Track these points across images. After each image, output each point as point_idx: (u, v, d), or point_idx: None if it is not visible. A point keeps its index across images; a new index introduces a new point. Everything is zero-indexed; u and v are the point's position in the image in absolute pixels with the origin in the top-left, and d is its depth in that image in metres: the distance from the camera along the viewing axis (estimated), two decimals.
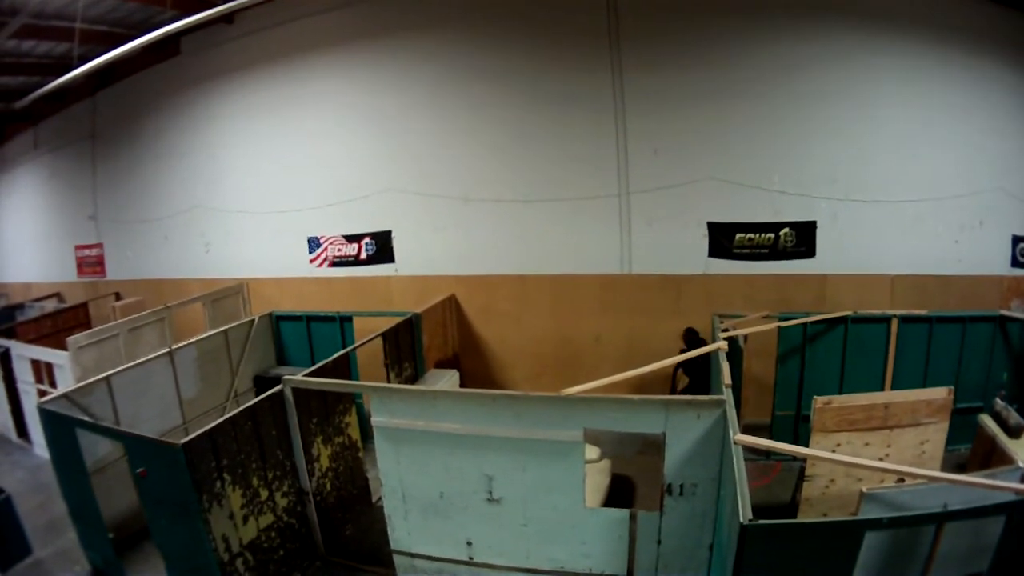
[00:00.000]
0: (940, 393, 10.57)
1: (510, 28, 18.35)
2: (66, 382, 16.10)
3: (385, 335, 16.38)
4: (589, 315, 18.71)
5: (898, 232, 15.93)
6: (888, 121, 15.72)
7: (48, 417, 12.06)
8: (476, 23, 18.69)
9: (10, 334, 21.52)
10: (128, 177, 26.59)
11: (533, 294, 19.20)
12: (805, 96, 16.00)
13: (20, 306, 29.12)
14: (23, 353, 18.40)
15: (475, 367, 20.23)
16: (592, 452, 12.07)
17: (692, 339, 17.20)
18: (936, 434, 10.72)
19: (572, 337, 18.90)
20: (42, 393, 16.49)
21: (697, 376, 17.15)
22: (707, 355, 16.90)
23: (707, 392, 16.24)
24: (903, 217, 15.82)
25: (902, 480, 8.85)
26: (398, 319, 17.19)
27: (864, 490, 8.03)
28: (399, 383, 16.46)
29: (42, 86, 22.61)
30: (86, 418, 12.40)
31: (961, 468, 12.17)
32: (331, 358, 13.82)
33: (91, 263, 28.95)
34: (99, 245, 28.58)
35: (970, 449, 12.69)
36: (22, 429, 19.43)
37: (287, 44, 21.35)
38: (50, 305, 28.27)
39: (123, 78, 25.64)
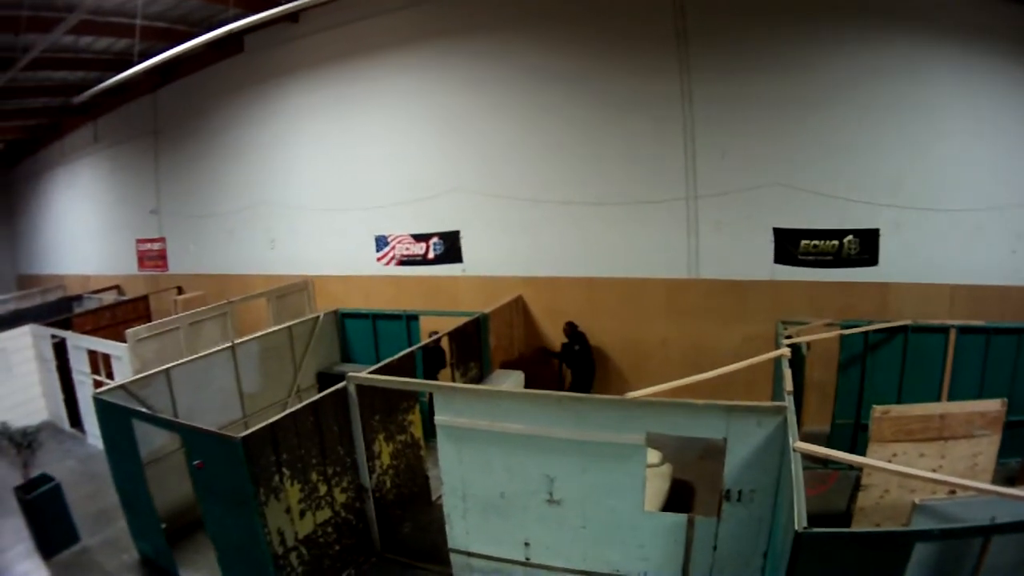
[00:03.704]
0: (993, 405, 10.79)
1: (578, 31, 18.89)
2: (124, 374, 16.68)
3: (451, 334, 16.97)
4: (656, 319, 19.11)
5: (958, 241, 16.02)
6: (951, 129, 15.80)
7: (104, 407, 12.71)
8: (543, 25, 19.28)
9: (66, 325, 22.20)
10: (191, 172, 27.55)
11: (600, 297, 19.64)
12: (872, 104, 16.13)
13: (78, 298, 29.85)
14: (79, 344, 19.03)
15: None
16: (654, 456, 12.40)
17: (573, 332, 18.46)
18: (989, 446, 10.85)
19: (638, 340, 19.33)
20: (98, 384, 17.25)
21: (579, 369, 18.44)
22: (588, 352, 18.17)
23: (589, 385, 17.82)
24: (963, 226, 15.90)
25: (954, 492, 9.14)
26: (465, 319, 17.75)
27: (916, 501, 8.35)
28: (464, 382, 16.94)
29: (101, 81, 23.54)
30: (143, 409, 12.92)
31: (1011, 481, 12.58)
32: (396, 356, 14.29)
33: (153, 257, 29.88)
34: (161, 239, 29.59)
35: (1020, 463, 13.17)
36: (75, 419, 20.20)
37: (354, 43, 22.05)
38: (108, 297, 28.83)
39: (185, 75, 26.66)
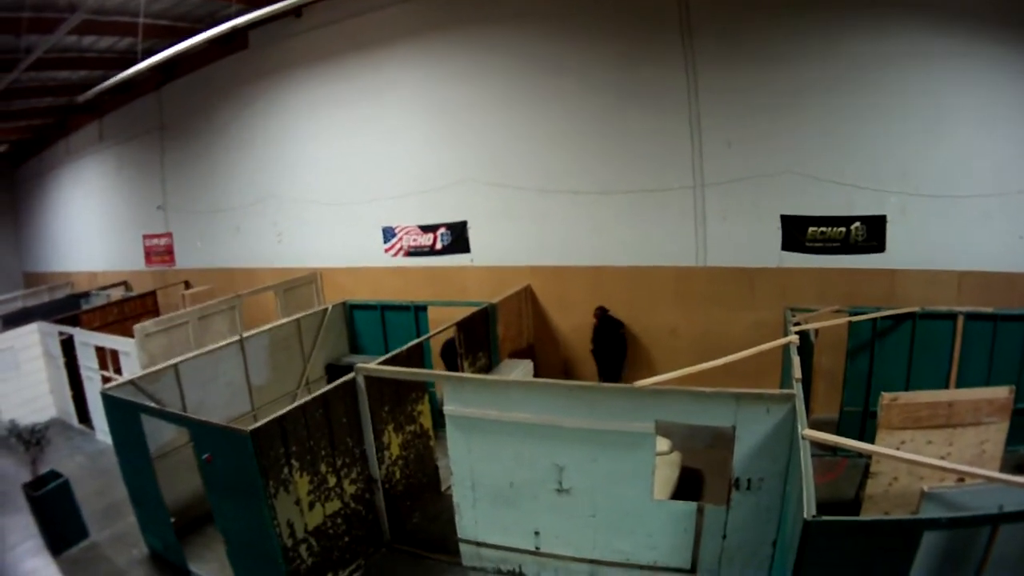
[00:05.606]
0: (1001, 392, 10.62)
1: (583, 22, 18.86)
2: (132, 369, 16.76)
3: (460, 324, 16.87)
4: (664, 307, 19.09)
5: (965, 227, 15.86)
6: (958, 116, 15.64)
7: (112, 403, 12.74)
8: (550, 17, 19.24)
9: (74, 322, 22.34)
10: (197, 168, 27.73)
11: (608, 286, 19.59)
12: (879, 91, 16.00)
13: (85, 294, 29.96)
14: (87, 340, 19.12)
15: (550, 357, 20.75)
16: (663, 444, 12.35)
17: (604, 316, 18.59)
18: (996, 434, 10.75)
19: (646, 329, 19.33)
20: (106, 379, 17.15)
21: (607, 351, 18.55)
22: (618, 335, 18.28)
23: (617, 368, 18.05)
24: (970, 212, 15.72)
25: (962, 479, 9.04)
26: (473, 309, 17.76)
27: (925, 489, 8.29)
28: (473, 372, 16.89)
29: (105, 80, 23.62)
30: (152, 404, 12.97)
31: (1019, 469, 12.49)
32: (405, 347, 14.23)
33: (160, 252, 30.04)
34: (168, 234, 29.75)
35: None
36: (84, 415, 20.32)
37: (358, 36, 22.12)
38: (116, 293, 28.95)
39: (190, 71, 26.85)
